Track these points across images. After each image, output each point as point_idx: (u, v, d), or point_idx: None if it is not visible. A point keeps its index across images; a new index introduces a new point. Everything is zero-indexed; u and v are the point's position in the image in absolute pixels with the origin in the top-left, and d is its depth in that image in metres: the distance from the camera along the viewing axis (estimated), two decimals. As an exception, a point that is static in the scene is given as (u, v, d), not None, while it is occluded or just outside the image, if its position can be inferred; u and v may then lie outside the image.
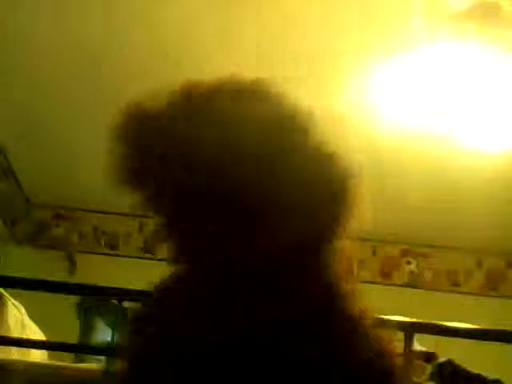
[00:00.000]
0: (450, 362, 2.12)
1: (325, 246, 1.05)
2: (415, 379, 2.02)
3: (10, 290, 2.25)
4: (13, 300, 2.36)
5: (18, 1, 3.51)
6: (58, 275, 3.84)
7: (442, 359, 2.17)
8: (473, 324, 1.95)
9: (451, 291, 5.08)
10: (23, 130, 4.45)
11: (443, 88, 3.30)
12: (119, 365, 1.05)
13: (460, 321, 1.95)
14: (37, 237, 5.18)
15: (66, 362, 2.09)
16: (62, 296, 2.19)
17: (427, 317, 1.95)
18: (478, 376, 2.10)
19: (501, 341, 2.02)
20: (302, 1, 3.35)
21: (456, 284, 5.14)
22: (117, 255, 5.15)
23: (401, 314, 1.94)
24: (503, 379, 2.11)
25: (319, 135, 1.10)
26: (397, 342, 2.19)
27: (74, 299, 4.71)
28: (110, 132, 1.15)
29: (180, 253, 1.11)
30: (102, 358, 1.95)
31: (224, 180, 0.96)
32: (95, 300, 4.77)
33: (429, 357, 2.22)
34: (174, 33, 3.61)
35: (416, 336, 1.90)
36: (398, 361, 1.64)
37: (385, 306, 2.97)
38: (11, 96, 4.14)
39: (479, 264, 5.17)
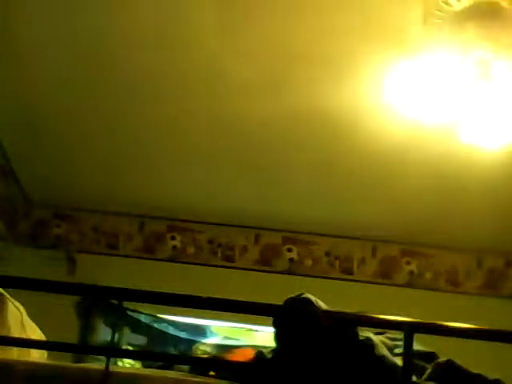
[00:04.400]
0: (449, 362, 2.12)
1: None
2: (415, 379, 2.02)
3: (9, 290, 2.25)
4: (13, 300, 2.36)
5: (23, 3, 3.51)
6: (58, 275, 3.84)
7: (441, 359, 2.17)
8: (473, 324, 1.94)
9: (451, 291, 5.08)
10: (24, 129, 4.46)
11: (444, 88, 3.30)
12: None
13: (460, 321, 1.94)
14: (37, 237, 5.19)
15: (66, 362, 2.09)
16: (62, 296, 2.19)
17: (427, 317, 1.95)
18: (478, 376, 2.10)
19: (501, 341, 2.02)
20: (311, 3, 3.36)
21: (456, 284, 5.14)
22: (117, 255, 5.15)
23: (401, 314, 1.94)
24: (503, 379, 2.11)
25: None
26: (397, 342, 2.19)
27: (73, 299, 4.71)
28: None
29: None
30: (102, 357, 1.94)
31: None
32: (95, 300, 4.78)
33: (429, 357, 2.22)
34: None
35: (416, 336, 1.90)
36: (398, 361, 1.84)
37: (385, 306, 2.98)
38: (12, 95, 4.14)
39: (479, 264, 5.17)
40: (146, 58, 3.79)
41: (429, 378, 2.09)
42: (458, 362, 2.13)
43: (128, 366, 3.61)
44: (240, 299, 1.96)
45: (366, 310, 2.05)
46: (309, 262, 5.20)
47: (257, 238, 5.25)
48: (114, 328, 3.71)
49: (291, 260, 5.21)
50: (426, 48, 3.27)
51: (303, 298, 2.11)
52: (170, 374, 2.06)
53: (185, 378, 2.02)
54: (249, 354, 2.23)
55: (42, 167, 4.80)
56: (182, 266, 5.13)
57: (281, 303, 2.09)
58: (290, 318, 2.10)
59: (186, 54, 3.72)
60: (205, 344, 5.05)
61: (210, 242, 5.24)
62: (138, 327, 5.04)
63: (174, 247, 5.22)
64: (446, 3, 3.17)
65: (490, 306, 4.89)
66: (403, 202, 4.64)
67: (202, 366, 2.18)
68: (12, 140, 4.53)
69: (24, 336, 2.35)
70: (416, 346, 1.97)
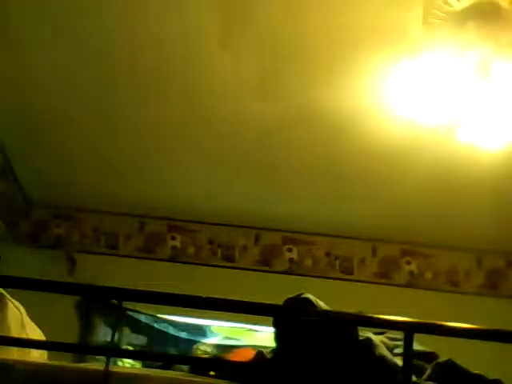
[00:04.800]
0: (449, 362, 2.12)
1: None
2: (415, 379, 2.02)
3: (9, 290, 2.25)
4: (13, 300, 2.36)
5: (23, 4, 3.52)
6: (58, 275, 3.84)
7: (441, 359, 2.17)
8: (473, 324, 1.94)
9: (451, 291, 5.08)
10: (24, 129, 4.46)
11: (443, 88, 3.30)
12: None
13: (460, 321, 1.94)
14: (37, 237, 5.19)
15: (66, 362, 2.09)
16: (62, 296, 2.19)
17: (427, 317, 1.95)
18: (478, 376, 2.10)
19: (501, 341, 2.02)
20: (310, 2, 3.36)
21: (456, 284, 5.14)
22: (116, 255, 5.15)
23: (401, 314, 1.94)
24: (503, 379, 2.11)
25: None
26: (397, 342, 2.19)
27: (73, 299, 4.71)
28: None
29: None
30: (102, 357, 1.94)
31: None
32: (95, 300, 4.78)
33: (429, 357, 2.22)
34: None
35: (416, 336, 1.90)
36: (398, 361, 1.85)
37: (385, 306, 2.98)
38: (12, 96, 4.14)
39: (479, 264, 5.18)
40: (146, 59, 3.79)
41: (429, 378, 2.09)
42: (458, 361, 2.13)
43: (128, 365, 3.61)
44: (240, 299, 1.96)
45: (366, 310, 2.05)
46: (309, 262, 5.20)
47: (257, 238, 5.25)
48: (114, 328, 3.71)
49: (291, 260, 5.21)
50: (425, 48, 3.27)
51: (303, 297, 2.11)
52: (170, 374, 2.06)
53: (185, 377, 2.02)
54: (249, 354, 2.23)
55: (42, 167, 4.80)
56: (181, 266, 5.13)
57: (281, 303, 2.09)
58: (289, 317, 2.10)
59: (185, 55, 3.72)
60: (205, 344, 5.06)
61: (210, 242, 5.24)
62: (138, 327, 5.05)
63: (174, 247, 5.22)
64: (446, 3, 3.16)
65: (490, 305, 4.90)
66: (403, 202, 4.64)
67: (202, 366, 2.18)
68: (12, 140, 4.53)
69: (24, 336, 2.35)
70: (416, 346, 1.96)
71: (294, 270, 5.17)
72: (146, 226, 5.25)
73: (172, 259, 5.18)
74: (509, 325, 2.04)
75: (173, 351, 5.04)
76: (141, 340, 5.08)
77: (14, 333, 2.27)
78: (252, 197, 4.88)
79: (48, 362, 2.27)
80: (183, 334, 5.14)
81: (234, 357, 2.91)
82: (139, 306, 4.72)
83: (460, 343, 2.08)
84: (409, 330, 1.89)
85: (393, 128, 3.95)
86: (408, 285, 5.13)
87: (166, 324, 5.14)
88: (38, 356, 2.35)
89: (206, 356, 4.58)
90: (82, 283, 2.22)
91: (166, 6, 3.43)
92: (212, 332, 5.16)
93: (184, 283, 3.68)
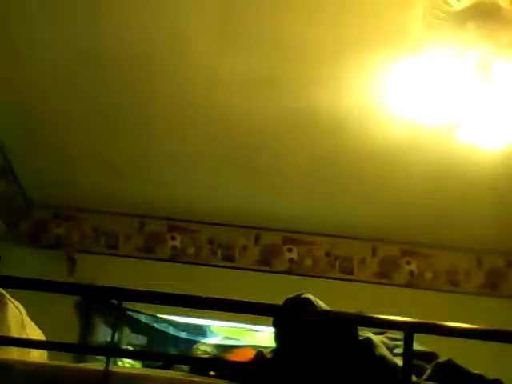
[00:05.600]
0: (449, 362, 2.12)
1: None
2: (415, 379, 2.02)
3: (9, 290, 2.25)
4: (13, 300, 2.36)
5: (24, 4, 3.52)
6: (58, 275, 3.84)
7: (441, 359, 2.17)
8: (473, 324, 1.94)
9: (451, 291, 5.08)
10: (24, 130, 4.46)
11: (443, 88, 3.30)
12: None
13: (460, 321, 1.94)
14: (37, 237, 5.19)
15: (66, 362, 2.09)
16: (62, 296, 2.19)
17: (427, 317, 1.95)
18: (478, 376, 2.10)
19: (501, 341, 2.02)
20: (310, 3, 3.36)
21: (456, 284, 5.14)
22: (117, 255, 5.15)
23: (401, 314, 1.94)
24: (503, 379, 2.11)
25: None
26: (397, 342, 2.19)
27: (73, 299, 4.71)
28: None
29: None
30: (102, 358, 1.94)
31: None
32: (95, 300, 4.78)
33: (429, 357, 2.22)
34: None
35: (416, 336, 1.90)
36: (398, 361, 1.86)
37: (385, 306, 2.98)
38: (12, 96, 4.14)
39: (479, 264, 5.18)
40: (146, 59, 3.79)
41: (429, 378, 2.09)
42: (458, 361, 2.13)
43: (128, 365, 3.61)
44: (240, 299, 1.96)
45: (366, 310, 2.05)
46: (309, 262, 5.20)
47: (257, 238, 5.25)
48: (114, 328, 3.71)
49: (291, 260, 5.21)
50: (425, 48, 3.27)
51: (303, 297, 2.11)
52: (170, 374, 2.06)
53: (185, 377, 2.02)
54: (249, 354, 2.23)
55: (42, 167, 4.80)
56: (181, 266, 5.13)
57: (281, 303, 2.09)
58: (289, 318, 2.10)
59: (184, 54, 3.72)
60: (205, 344, 5.06)
61: (210, 242, 5.24)
62: (138, 327, 5.05)
63: (174, 247, 5.23)
64: (446, 3, 3.17)
65: (490, 305, 4.90)
66: (403, 202, 4.64)
67: (202, 366, 2.18)
68: (12, 140, 4.53)
69: (24, 336, 2.35)
70: (416, 346, 1.96)
71: (294, 270, 5.17)
72: (146, 226, 5.25)
73: (172, 259, 5.18)
74: (509, 325, 2.04)
75: (173, 351, 5.04)
76: (141, 340, 5.09)
77: (14, 333, 2.27)
78: (252, 197, 4.88)
79: (48, 362, 2.27)
80: (183, 334, 5.14)
81: (234, 357, 2.91)
82: (139, 306, 4.72)
83: (460, 343, 2.08)
84: (409, 330, 1.89)
85: (392, 128, 3.95)
86: (408, 285, 5.13)
87: (166, 324, 5.14)
88: (38, 356, 2.35)
89: (206, 356, 4.58)
90: (81, 283, 2.22)
91: (165, 6, 3.43)
92: (212, 332, 5.16)
93: (184, 283, 3.68)
